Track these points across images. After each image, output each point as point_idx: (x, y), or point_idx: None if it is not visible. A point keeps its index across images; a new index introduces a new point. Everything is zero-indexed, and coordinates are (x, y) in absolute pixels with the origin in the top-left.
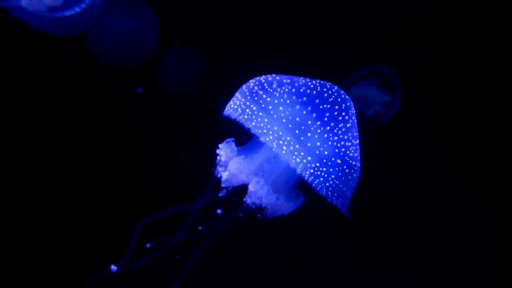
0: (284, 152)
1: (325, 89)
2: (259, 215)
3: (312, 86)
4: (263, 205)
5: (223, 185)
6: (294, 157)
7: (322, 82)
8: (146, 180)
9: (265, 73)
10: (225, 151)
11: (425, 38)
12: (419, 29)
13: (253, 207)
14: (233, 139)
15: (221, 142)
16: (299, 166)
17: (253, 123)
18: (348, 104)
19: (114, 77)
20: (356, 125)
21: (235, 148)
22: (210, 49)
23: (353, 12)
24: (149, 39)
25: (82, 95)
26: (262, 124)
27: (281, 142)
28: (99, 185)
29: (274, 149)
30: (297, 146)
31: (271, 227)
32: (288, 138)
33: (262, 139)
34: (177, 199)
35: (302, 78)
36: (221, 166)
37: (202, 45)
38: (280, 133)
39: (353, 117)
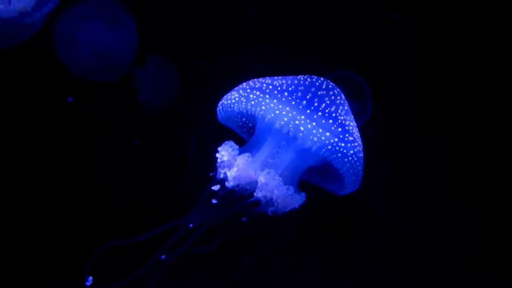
0: (301, 134)
1: (314, 80)
2: (269, 211)
3: (301, 78)
4: (274, 198)
5: (230, 184)
6: (312, 136)
7: (305, 75)
8: (140, 194)
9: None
10: (226, 151)
11: (393, 45)
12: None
13: (264, 201)
14: (231, 140)
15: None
16: (317, 144)
17: (263, 107)
18: (338, 90)
19: (87, 92)
20: (350, 108)
21: (237, 147)
22: (184, 60)
23: (320, 20)
24: (127, 56)
25: (59, 110)
26: (272, 105)
27: (297, 122)
28: (85, 203)
29: (290, 131)
30: (313, 124)
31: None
32: (303, 117)
33: (277, 123)
34: (177, 207)
35: (287, 76)
36: (224, 167)
37: (175, 56)
38: (294, 112)
39: (346, 100)
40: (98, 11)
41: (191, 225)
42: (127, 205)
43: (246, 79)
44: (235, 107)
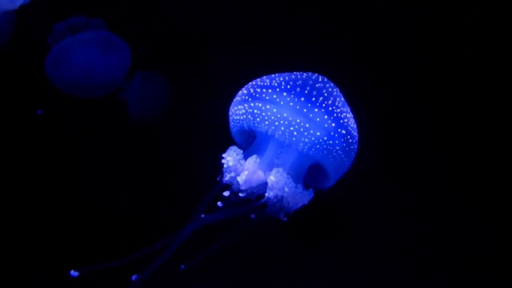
0: (294, 138)
1: (310, 74)
2: (281, 210)
3: (298, 74)
4: (285, 196)
5: (243, 187)
6: (303, 138)
7: (298, 72)
8: (136, 200)
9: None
10: (231, 155)
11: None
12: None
13: (275, 200)
14: (235, 146)
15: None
16: (307, 145)
17: (266, 122)
18: (332, 83)
19: (77, 104)
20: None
21: (241, 151)
22: (173, 71)
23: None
24: (119, 74)
25: (51, 123)
26: (273, 117)
27: (291, 128)
28: (86, 217)
29: (286, 139)
30: (307, 125)
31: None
32: (298, 120)
33: (276, 134)
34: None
35: (283, 74)
36: (230, 171)
37: (163, 68)
38: (290, 118)
39: (340, 93)
40: (92, 36)
41: (191, 228)
42: (124, 210)
43: (239, 82)
44: (243, 124)
